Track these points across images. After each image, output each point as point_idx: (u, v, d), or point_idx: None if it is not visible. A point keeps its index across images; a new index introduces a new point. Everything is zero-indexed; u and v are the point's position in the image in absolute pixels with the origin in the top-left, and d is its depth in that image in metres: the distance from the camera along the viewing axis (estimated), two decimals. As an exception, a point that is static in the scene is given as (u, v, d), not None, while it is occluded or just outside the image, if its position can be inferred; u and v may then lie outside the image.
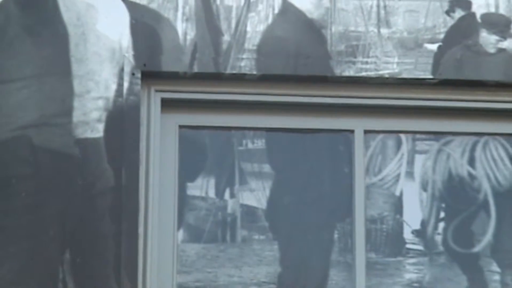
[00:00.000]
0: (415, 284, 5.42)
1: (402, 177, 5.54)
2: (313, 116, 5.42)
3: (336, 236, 5.43)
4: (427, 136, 5.59)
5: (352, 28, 5.47)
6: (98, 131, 5.17)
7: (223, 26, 5.39)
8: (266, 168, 5.51)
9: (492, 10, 5.60)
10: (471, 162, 5.53)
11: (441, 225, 5.53)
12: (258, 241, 5.44)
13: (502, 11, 5.59)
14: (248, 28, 5.40)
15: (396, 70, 5.39)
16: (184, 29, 5.38)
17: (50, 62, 5.19)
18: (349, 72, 5.37)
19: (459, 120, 5.49)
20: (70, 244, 5.05)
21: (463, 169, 5.55)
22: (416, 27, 5.53)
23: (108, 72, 5.23)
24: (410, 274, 5.44)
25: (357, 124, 5.39)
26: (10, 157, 5.12)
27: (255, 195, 5.49)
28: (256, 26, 5.40)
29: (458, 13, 5.51)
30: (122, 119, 5.21)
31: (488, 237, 5.50)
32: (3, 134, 5.12)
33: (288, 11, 5.43)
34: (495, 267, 5.49)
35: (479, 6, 5.54)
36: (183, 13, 5.40)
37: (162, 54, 5.31)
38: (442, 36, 5.50)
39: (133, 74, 5.22)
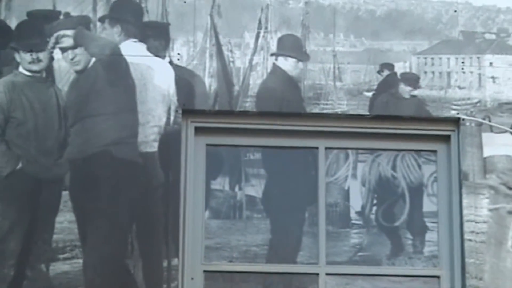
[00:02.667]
0: (357, 246, 5.62)
1: (349, 177, 5.73)
2: (292, 138, 5.59)
3: (306, 215, 5.60)
4: (365, 151, 5.75)
5: (317, 82, 5.67)
6: (154, 147, 5.42)
7: (235, 80, 5.64)
8: (262, 171, 5.73)
9: (407, 70, 5.76)
10: (394, 168, 5.71)
11: (374, 208, 5.72)
12: (256, 218, 5.66)
13: (414, 71, 5.74)
14: (250, 82, 5.64)
15: (346, 109, 5.61)
16: (209, 82, 5.61)
17: (124, 103, 5.42)
18: (315, 110, 5.59)
19: (386, 141, 5.63)
20: (136, 219, 5.33)
21: (388, 172, 5.73)
22: (358, 81, 5.73)
23: (160, 110, 5.45)
24: (354, 240, 5.64)
25: (320, 143, 5.57)
26: (98, 164, 5.35)
27: (255, 188, 5.69)
28: (256, 81, 5.65)
29: (386, 72, 5.72)
30: (169, 140, 5.45)
31: (404, 216, 5.69)
32: (94, 149, 5.34)
33: (276, 71, 5.66)
34: (409, 235, 5.68)
35: (399, 67, 5.72)
36: (209, 72, 5.63)
37: (195, 98, 5.55)
38: (375, 87, 5.69)
39: (176, 111, 5.47)
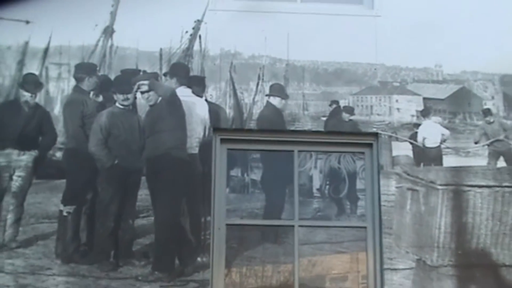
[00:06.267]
0: (317, 209, 5.73)
1: (312, 168, 5.76)
2: (278, 145, 5.64)
3: (287, 191, 5.62)
4: (322, 153, 5.78)
5: (293, 111, 5.72)
6: (196, 150, 5.49)
7: (244, 110, 5.72)
8: (260, 165, 5.80)
9: (347, 105, 5.74)
10: (339, 162, 5.75)
11: (327, 186, 5.78)
12: (257, 193, 5.72)
13: (351, 105, 5.73)
14: (253, 111, 5.72)
15: (310, 127, 5.68)
16: (229, 112, 5.69)
17: (178, 124, 5.44)
18: (292, 128, 5.66)
19: (334, 147, 5.68)
20: (185, 193, 5.36)
21: (336, 165, 5.73)
22: (317, 111, 5.76)
23: (200, 128, 5.53)
24: (315, 205, 5.72)
25: (295, 148, 5.62)
26: (163, 160, 5.35)
27: (256, 175, 5.75)
28: (257, 111, 5.72)
29: (334, 106, 5.76)
30: (205, 146, 5.52)
31: (345, 191, 5.75)
32: (160, 151, 5.36)
33: (269, 105, 5.74)
34: (348, 203, 5.74)
35: (342, 103, 5.76)
36: (229, 106, 5.70)
37: (220, 121, 5.62)
38: (327, 114, 5.74)
39: (209, 129, 5.54)
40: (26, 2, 5.48)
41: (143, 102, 5.50)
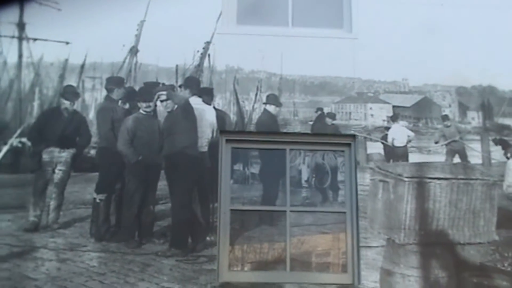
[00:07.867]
0: (305, 197, 5.65)
1: (301, 163, 5.74)
2: (273, 144, 5.67)
3: (280, 182, 5.62)
4: (309, 151, 5.75)
5: (286, 117, 5.76)
6: (205, 149, 5.50)
7: (245, 116, 5.75)
8: (258, 160, 5.76)
9: (330, 111, 5.75)
10: (323, 158, 5.76)
11: (313, 179, 5.76)
12: (257, 184, 5.71)
13: (333, 111, 5.78)
14: (253, 117, 5.75)
15: (299, 130, 5.71)
16: (233, 117, 5.74)
17: (190, 127, 5.35)
18: (284, 130, 5.72)
19: (319, 146, 5.69)
20: (197, 184, 5.40)
21: (320, 161, 5.79)
22: (306, 116, 5.77)
23: (209, 130, 5.56)
24: (304, 194, 5.71)
25: (287, 147, 5.65)
26: (178, 157, 5.34)
27: (255, 168, 5.74)
28: (255, 116, 5.75)
29: (319, 112, 5.78)
30: (213, 145, 5.54)
31: (328, 182, 5.75)
32: (176, 149, 5.36)
33: (266, 112, 5.77)
34: (330, 192, 5.76)
35: (326, 110, 5.79)
36: (233, 112, 5.73)
37: (226, 125, 5.68)
38: (313, 119, 5.78)
39: (217, 131, 5.57)
40: (66, 26, 5.51)
41: (162, 109, 5.54)
